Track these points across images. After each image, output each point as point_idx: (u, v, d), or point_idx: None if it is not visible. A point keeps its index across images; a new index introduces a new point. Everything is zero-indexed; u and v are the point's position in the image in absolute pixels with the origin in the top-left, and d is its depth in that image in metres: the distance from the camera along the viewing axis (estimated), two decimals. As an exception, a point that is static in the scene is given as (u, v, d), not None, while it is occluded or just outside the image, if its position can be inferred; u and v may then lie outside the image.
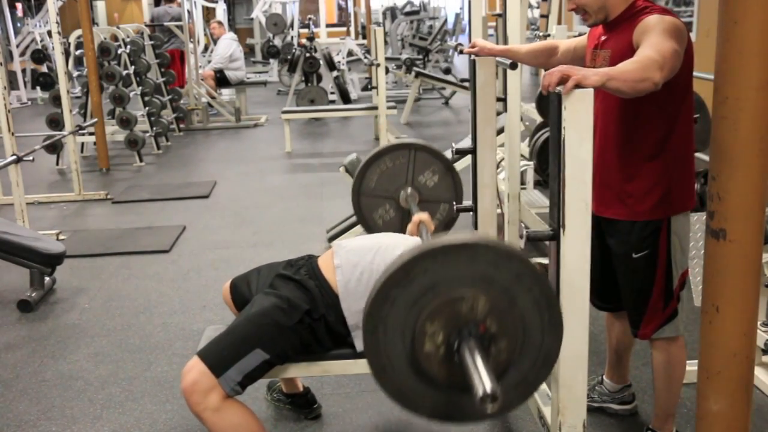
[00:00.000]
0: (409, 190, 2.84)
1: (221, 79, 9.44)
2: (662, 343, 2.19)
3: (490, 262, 1.49)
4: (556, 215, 1.72)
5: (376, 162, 2.85)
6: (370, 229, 2.89)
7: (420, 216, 2.51)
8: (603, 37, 2.17)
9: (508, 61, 2.55)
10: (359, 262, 2.13)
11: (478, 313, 1.50)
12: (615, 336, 2.46)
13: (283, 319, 2.03)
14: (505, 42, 3.19)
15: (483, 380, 1.37)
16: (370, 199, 2.86)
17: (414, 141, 2.91)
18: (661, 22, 1.94)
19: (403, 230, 2.65)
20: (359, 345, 2.11)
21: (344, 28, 17.18)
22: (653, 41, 1.88)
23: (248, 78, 10.40)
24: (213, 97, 9.48)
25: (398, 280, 1.49)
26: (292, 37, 12.38)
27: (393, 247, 2.18)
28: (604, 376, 2.59)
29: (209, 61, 10.23)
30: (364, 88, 10.95)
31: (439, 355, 1.52)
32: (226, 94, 10.29)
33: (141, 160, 7.06)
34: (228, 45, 9.52)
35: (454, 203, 2.81)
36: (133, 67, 7.51)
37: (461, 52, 2.78)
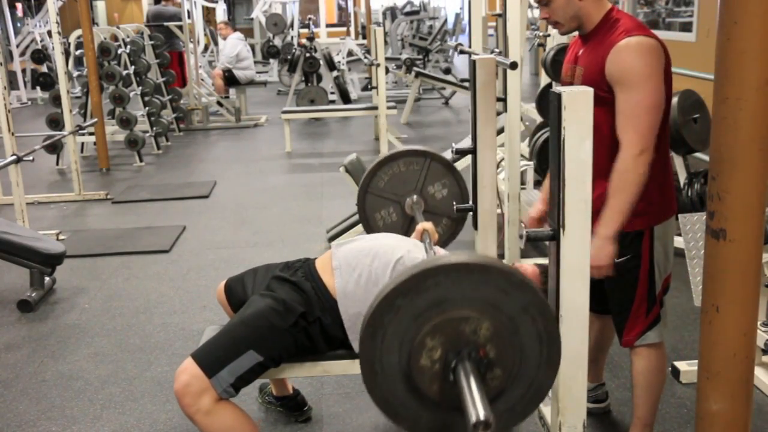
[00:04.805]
0: (416, 197, 2.82)
1: (230, 79, 9.40)
2: (644, 349, 2.18)
3: (501, 288, 1.47)
4: (556, 215, 1.72)
5: (390, 163, 2.83)
6: (368, 227, 2.87)
7: (425, 225, 2.48)
8: (580, 51, 2.14)
9: (508, 61, 2.54)
10: (357, 264, 2.13)
11: (480, 336, 1.48)
12: (593, 335, 2.45)
13: (278, 321, 2.02)
14: (505, 42, 3.19)
15: (478, 406, 1.34)
16: (376, 198, 2.84)
17: (431, 150, 2.89)
18: (636, 57, 1.92)
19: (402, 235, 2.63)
20: (357, 346, 2.10)
21: (344, 28, 17.18)
22: (627, 109, 1.92)
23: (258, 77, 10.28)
24: (213, 97, 9.47)
25: (406, 290, 1.47)
26: (292, 37, 12.38)
27: (392, 248, 2.17)
28: None
29: (209, 62, 10.20)
30: (364, 88, 10.95)
31: (433, 370, 1.50)
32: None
33: (141, 160, 7.06)
34: (234, 44, 9.46)
35: (456, 204, 2.79)
36: (133, 67, 7.50)
37: (462, 52, 2.77)
